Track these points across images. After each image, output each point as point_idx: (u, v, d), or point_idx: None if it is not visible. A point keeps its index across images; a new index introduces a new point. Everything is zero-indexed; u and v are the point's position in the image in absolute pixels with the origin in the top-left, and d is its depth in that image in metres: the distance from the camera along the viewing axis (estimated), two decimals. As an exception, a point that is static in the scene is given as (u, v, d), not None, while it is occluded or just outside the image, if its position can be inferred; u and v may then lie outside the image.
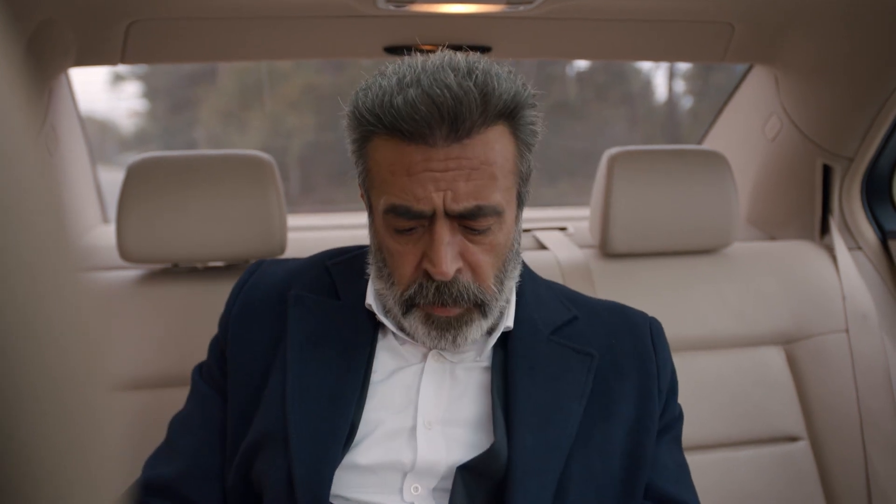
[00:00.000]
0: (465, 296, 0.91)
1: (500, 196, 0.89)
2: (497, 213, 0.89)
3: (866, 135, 1.68)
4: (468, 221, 0.89)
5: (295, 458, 0.91)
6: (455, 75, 0.84)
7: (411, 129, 0.85)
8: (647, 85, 3.40)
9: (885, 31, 1.51)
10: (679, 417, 1.05)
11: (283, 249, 1.46)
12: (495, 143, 0.88)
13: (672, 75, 3.26)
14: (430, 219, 0.89)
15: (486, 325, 0.95)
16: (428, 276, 0.90)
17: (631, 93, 3.42)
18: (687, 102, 3.38)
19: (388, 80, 0.87)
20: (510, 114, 0.89)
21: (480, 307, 0.93)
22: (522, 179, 0.95)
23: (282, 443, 0.93)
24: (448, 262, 0.88)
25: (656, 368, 1.02)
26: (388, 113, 0.86)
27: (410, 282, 0.92)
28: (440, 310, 0.92)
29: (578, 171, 2.96)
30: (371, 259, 0.99)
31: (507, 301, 0.99)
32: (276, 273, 1.09)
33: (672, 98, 3.33)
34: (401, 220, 0.89)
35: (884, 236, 1.78)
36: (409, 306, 0.93)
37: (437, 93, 0.83)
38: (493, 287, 0.93)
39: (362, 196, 0.99)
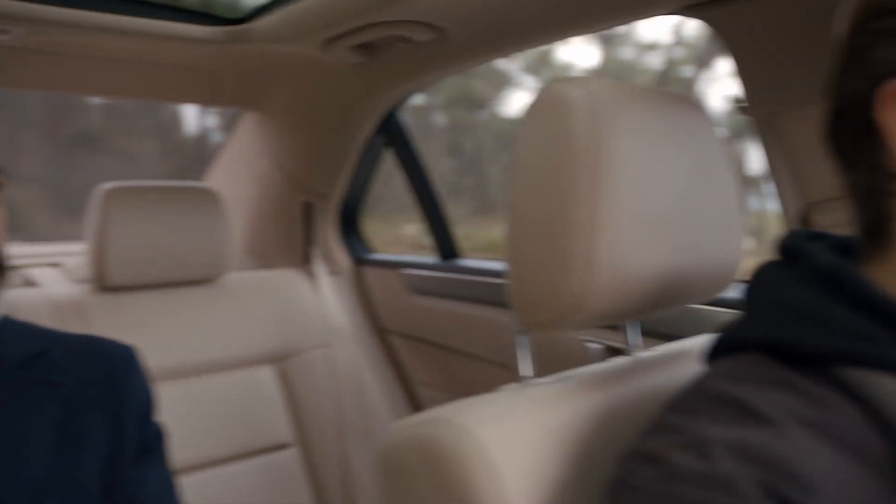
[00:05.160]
0: None
1: None
2: None
3: (337, 174, 1.96)
4: None
5: None
6: None
7: None
8: (176, 118, 3.40)
9: (346, 83, 1.78)
10: (158, 436, 1.10)
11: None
12: None
13: (203, 110, 3.32)
14: None
15: None
16: None
17: (162, 125, 3.39)
18: (218, 137, 3.48)
19: None
20: None
21: None
22: None
23: None
24: None
25: (128, 393, 1.05)
26: None
27: None
28: None
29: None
30: None
31: None
32: None
33: (203, 132, 3.37)
34: None
35: (356, 262, 2.08)
36: None
37: None
38: None
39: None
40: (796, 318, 0.55)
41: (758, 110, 1.07)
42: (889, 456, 0.48)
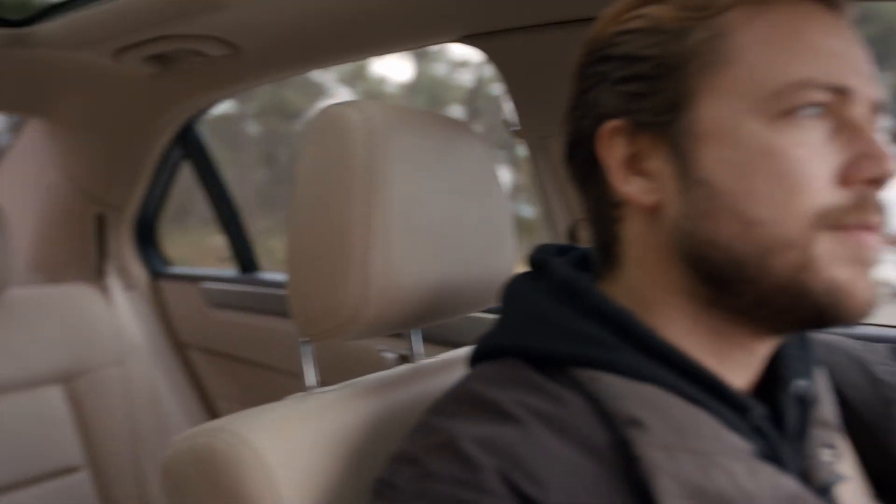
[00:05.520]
0: None
1: None
2: None
3: (132, 186, 1.90)
4: None
5: None
6: None
7: None
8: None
9: (141, 94, 1.73)
10: None
11: None
12: None
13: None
14: None
15: None
16: None
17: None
18: (6, 139, 3.21)
19: None
20: None
21: None
22: None
23: None
24: None
25: None
26: None
27: None
28: None
29: None
30: None
31: None
32: None
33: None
34: None
35: (154, 276, 2.03)
36: None
37: None
38: None
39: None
40: (542, 326, 0.62)
41: (529, 134, 1.17)
42: (610, 445, 0.55)
